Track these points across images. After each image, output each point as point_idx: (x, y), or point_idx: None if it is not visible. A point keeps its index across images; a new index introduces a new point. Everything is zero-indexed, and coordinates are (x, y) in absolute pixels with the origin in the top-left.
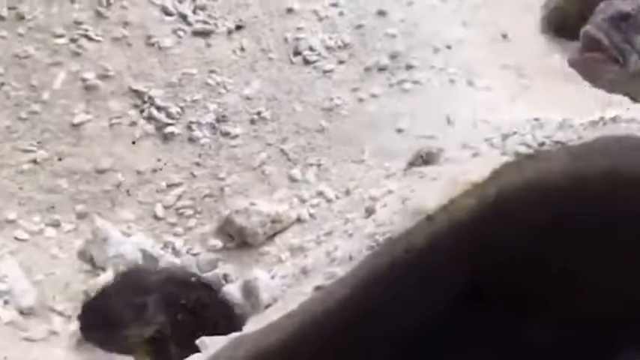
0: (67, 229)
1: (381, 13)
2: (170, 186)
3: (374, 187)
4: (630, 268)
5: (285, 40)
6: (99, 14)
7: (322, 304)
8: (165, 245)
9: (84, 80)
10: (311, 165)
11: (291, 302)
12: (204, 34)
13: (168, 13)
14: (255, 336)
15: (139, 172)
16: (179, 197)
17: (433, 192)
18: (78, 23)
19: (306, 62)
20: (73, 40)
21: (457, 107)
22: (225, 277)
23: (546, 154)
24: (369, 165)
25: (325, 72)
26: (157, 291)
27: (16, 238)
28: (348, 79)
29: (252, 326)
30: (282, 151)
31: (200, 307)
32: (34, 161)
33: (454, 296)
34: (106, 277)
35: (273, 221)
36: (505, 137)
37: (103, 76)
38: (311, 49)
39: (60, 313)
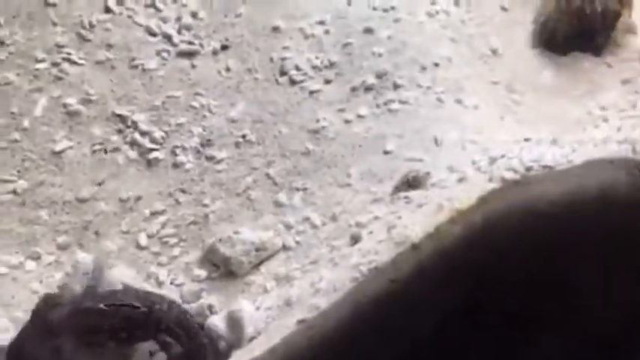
0: (48, 261)
1: (368, 30)
2: (154, 214)
3: (360, 213)
4: (624, 292)
5: (271, 59)
6: (81, 37)
7: (305, 338)
8: (149, 276)
9: (65, 106)
10: (297, 189)
11: (275, 336)
12: (189, 54)
13: (152, 34)
14: None
15: (121, 200)
16: (163, 225)
17: (419, 219)
18: (60, 47)
19: (292, 82)
20: (54, 65)
21: (445, 127)
22: (210, 307)
23: (534, 179)
24: (356, 189)
25: (311, 92)
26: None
27: None
28: (334, 99)
29: None
30: (267, 175)
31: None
32: (14, 192)
33: (441, 325)
34: None
35: (258, 249)
36: (492, 161)
37: (86, 101)
38: (297, 68)
39: None
